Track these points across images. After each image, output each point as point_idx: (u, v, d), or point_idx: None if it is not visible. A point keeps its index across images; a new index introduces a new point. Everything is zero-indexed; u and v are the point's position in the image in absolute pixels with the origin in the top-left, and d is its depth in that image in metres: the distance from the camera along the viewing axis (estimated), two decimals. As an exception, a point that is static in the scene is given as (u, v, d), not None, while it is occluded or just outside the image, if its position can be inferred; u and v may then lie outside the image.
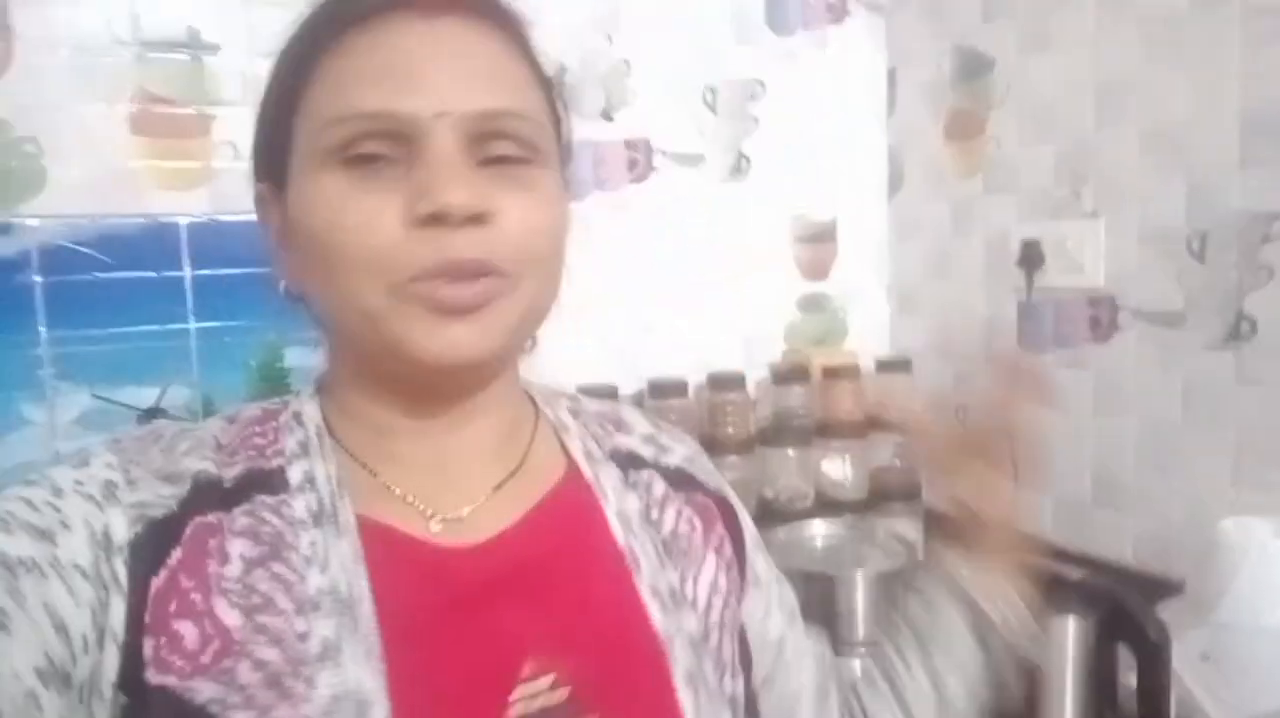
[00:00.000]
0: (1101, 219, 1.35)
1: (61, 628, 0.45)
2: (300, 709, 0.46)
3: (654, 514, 0.62)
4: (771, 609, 0.69)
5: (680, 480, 0.66)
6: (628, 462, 0.65)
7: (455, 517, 0.56)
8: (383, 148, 0.50)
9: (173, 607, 0.47)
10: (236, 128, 1.25)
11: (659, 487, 0.64)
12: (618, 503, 0.61)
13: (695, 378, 1.52)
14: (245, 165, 1.20)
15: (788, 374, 1.56)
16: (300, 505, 0.52)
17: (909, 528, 1.53)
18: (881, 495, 1.57)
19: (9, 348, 1.15)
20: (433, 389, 0.56)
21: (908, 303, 1.72)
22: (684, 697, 0.55)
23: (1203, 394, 1.24)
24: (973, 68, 1.54)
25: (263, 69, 1.21)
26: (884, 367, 1.61)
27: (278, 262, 0.58)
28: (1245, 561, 1.01)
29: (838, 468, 1.56)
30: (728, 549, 0.65)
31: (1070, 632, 1.02)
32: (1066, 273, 1.40)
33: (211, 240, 1.25)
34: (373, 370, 0.56)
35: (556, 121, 0.59)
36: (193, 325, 1.25)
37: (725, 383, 1.51)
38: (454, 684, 0.51)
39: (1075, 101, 1.38)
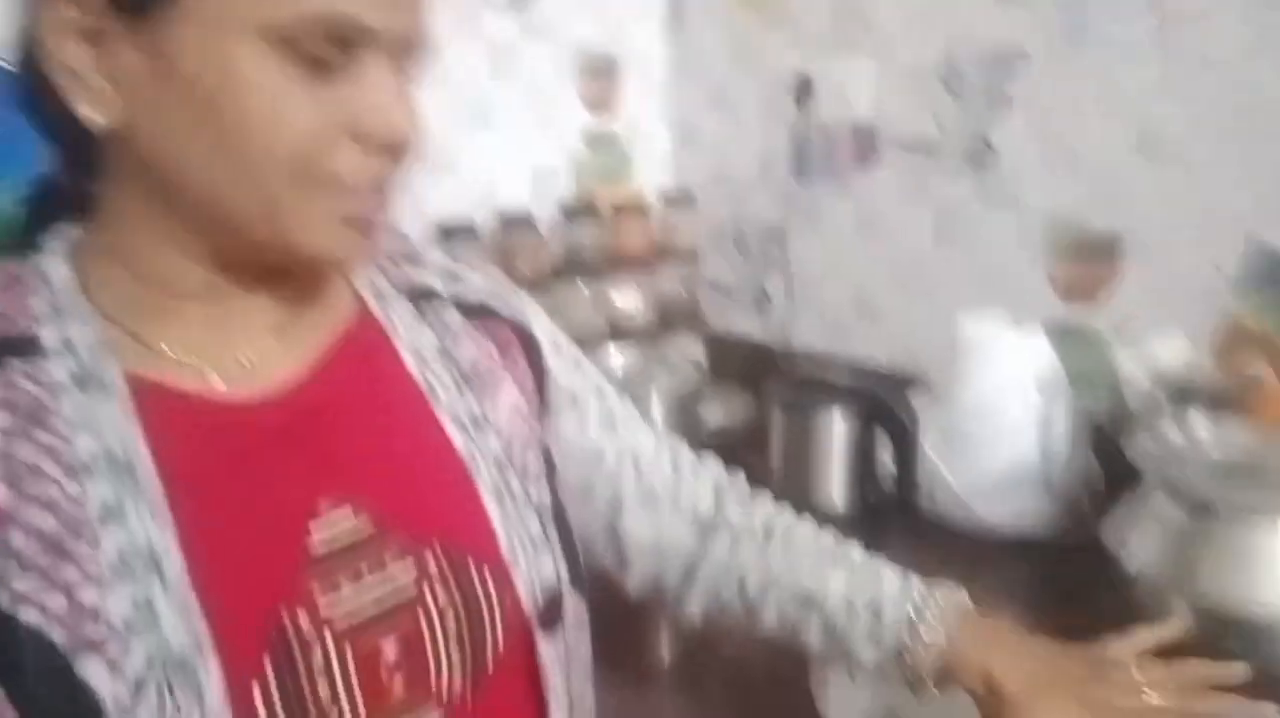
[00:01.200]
0: (868, 59, 1.44)
1: None
2: (87, 568, 0.45)
3: (449, 346, 0.61)
4: (588, 424, 0.70)
5: (477, 312, 0.65)
6: (420, 296, 0.63)
7: (235, 368, 0.54)
8: (330, 53, 0.47)
9: None
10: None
11: (454, 318, 0.63)
12: (410, 339, 0.60)
13: (483, 216, 1.51)
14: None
15: (577, 211, 1.58)
16: (58, 369, 0.49)
17: (694, 350, 1.64)
18: (667, 323, 1.66)
19: None
20: (266, 266, 0.54)
21: (689, 136, 1.77)
22: (491, 509, 0.56)
23: (949, 216, 1.39)
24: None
25: None
26: (669, 201, 1.66)
27: (84, 88, 0.49)
28: (975, 350, 1.17)
29: (628, 299, 1.62)
30: (528, 380, 0.65)
31: (835, 420, 1.15)
32: (836, 106, 1.49)
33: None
34: (192, 239, 0.52)
35: None
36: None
37: (516, 223, 1.51)
38: (248, 529, 0.50)
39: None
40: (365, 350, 0.58)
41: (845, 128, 1.49)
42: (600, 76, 1.67)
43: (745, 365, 1.59)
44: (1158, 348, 1.14)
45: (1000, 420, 1.13)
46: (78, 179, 0.54)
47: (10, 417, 0.47)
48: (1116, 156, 1.20)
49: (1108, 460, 1.11)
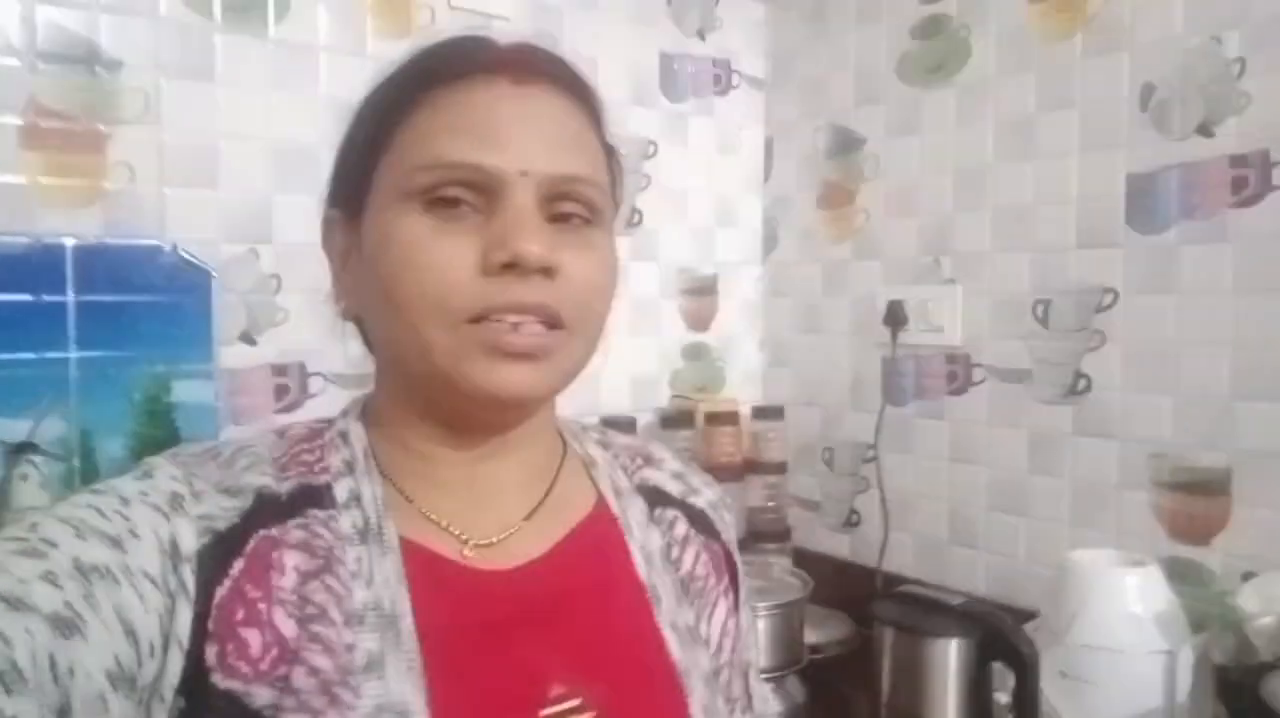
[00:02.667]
0: (959, 285, 1.52)
1: (131, 633, 0.46)
2: (346, 716, 0.48)
3: (674, 553, 0.65)
4: (748, 668, 0.72)
5: (701, 524, 0.69)
6: (654, 497, 0.68)
7: (487, 542, 0.59)
8: (465, 195, 0.54)
9: (240, 615, 0.49)
10: (134, 148, 1.19)
11: (681, 526, 0.67)
12: (641, 538, 0.64)
13: (587, 421, 1.56)
14: (141, 187, 1.18)
15: (674, 419, 1.63)
16: (347, 522, 0.54)
17: (781, 564, 1.63)
18: (756, 536, 1.66)
19: None
20: (475, 421, 0.59)
21: (779, 354, 1.85)
22: None
23: (1045, 443, 1.41)
24: (844, 144, 1.70)
25: (166, 90, 1.19)
26: (759, 413, 1.71)
27: (337, 285, 0.61)
28: (1091, 589, 1.15)
29: (718, 510, 1.63)
30: (731, 599, 0.68)
31: (952, 653, 1.12)
32: (927, 332, 1.56)
33: (99, 264, 1.18)
34: (421, 400, 0.58)
35: (613, 186, 0.63)
36: (73, 354, 1.16)
37: (615, 427, 1.55)
38: (488, 701, 0.53)
39: (936, 181, 1.55)
40: (599, 542, 0.63)
41: (938, 352, 1.55)
42: (700, 294, 1.77)
43: (834, 584, 1.58)
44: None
45: (1122, 664, 1.10)
46: None
47: (309, 560, 0.52)
48: (1217, 392, 1.23)
49: (1233, 706, 1.07)
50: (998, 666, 1.11)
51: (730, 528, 0.72)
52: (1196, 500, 1.25)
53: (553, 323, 0.54)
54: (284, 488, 0.55)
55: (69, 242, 1.15)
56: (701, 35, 1.74)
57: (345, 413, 0.63)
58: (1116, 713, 1.09)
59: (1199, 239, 1.25)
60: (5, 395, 1.11)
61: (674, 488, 0.69)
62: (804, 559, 1.68)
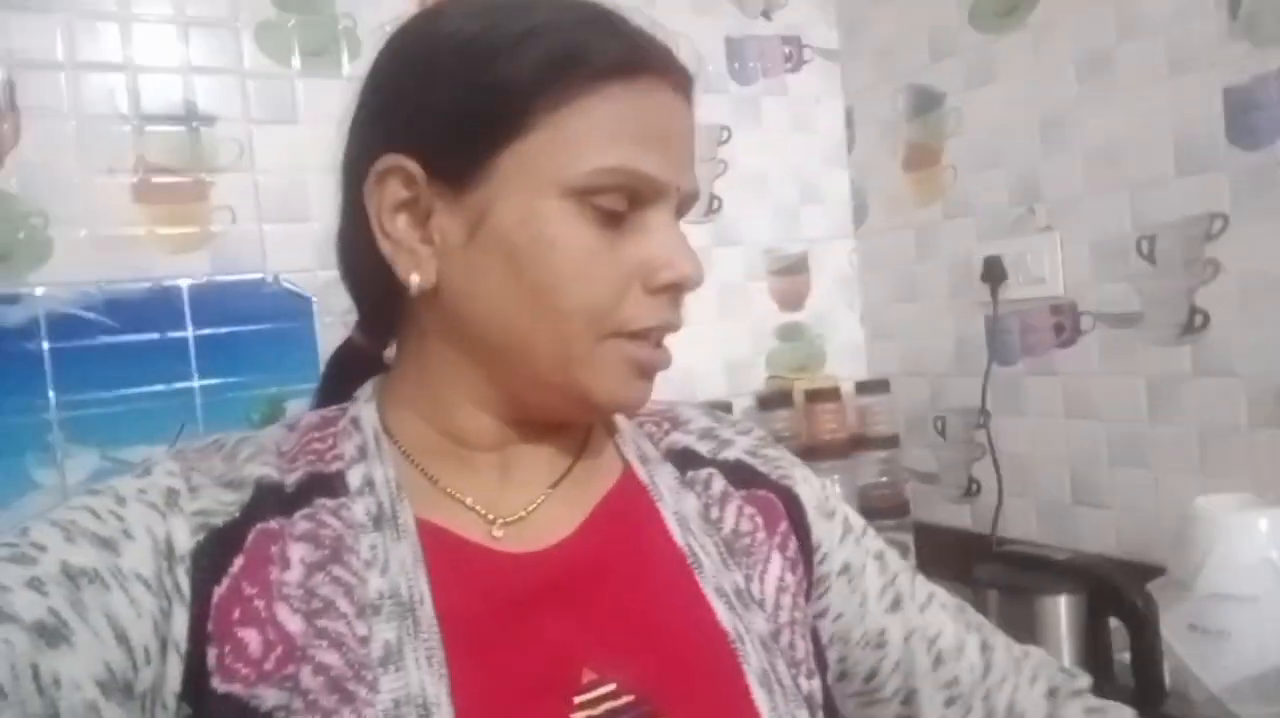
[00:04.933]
0: (1056, 232, 1.44)
1: (123, 639, 0.44)
2: (363, 714, 0.46)
3: (714, 513, 0.61)
4: (867, 600, 0.66)
5: (740, 476, 0.64)
6: (684, 460, 0.63)
7: (515, 518, 0.56)
8: (624, 205, 0.53)
9: (236, 614, 0.47)
10: (233, 192, 1.31)
11: (717, 484, 0.63)
12: (674, 504, 0.60)
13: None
14: (242, 227, 1.29)
15: (771, 400, 1.62)
16: (359, 509, 0.52)
17: (901, 541, 1.58)
18: (871, 513, 1.62)
19: (19, 413, 1.18)
20: (561, 419, 0.59)
21: (880, 326, 1.80)
22: (759, 697, 0.53)
23: (1165, 388, 1.31)
24: (924, 103, 1.64)
25: (257, 137, 1.30)
26: (863, 388, 1.67)
27: (398, 248, 0.54)
28: (1219, 535, 1.07)
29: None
30: (792, 546, 0.62)
31: (1062, 610, 1.07)
32: (1028, 285, 1.49)
33: (212, 301, 1.30)
34: (492, 388, 0.56)
35: None
36: (196, 383, 1.28)
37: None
38: (515, 691, 0.50)
39: (1021, 128, 1.48)
40: (630, 513, 0.59)
41: (1041, 305, 1.47)
42: (790, 273, 1.75)
43: (956, 556, 1.52)
44: None
45: (1256, 612, 1.01)
46: (374, 340, 0.63)
47: (314, 551, 0.50)
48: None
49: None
50: (1114, 623, 1.05)
51: (780, 462, 0.67)
52: (1335, 433, 1.13)
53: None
54: (290, 478, 0.53)
55: (184, 283, 1.28)
56: (767, 15, 1.74)
57: (358, 398, 0.60)
58: (1253, 666, 1.00)
59: (1312, 147, 1.14)
60: (142, 424, 1.23)
61: (704, 447, 0.65)
62: (924, 533, 1.62)
